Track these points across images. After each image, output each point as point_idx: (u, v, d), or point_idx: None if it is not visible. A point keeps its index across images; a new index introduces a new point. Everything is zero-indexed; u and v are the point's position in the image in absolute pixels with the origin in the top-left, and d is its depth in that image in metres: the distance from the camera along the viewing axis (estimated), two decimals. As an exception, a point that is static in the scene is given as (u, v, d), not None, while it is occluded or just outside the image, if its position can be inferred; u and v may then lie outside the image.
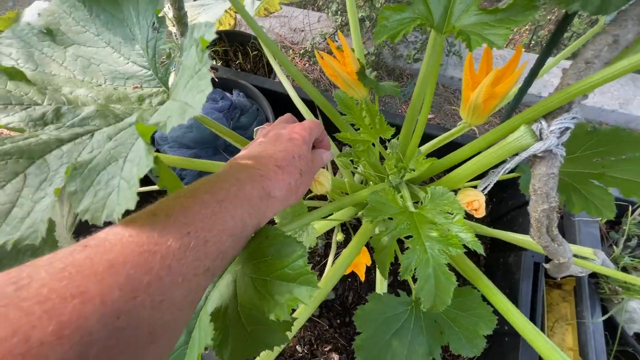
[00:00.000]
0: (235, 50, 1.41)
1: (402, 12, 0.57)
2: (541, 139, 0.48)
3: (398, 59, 1.77)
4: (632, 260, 0.87)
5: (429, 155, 0.74)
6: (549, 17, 1.99)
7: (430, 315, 0.57)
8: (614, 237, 0.95)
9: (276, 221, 0.65)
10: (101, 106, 0.39)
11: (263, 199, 0.36)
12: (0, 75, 0.36)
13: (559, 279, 0.94)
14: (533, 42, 1.97)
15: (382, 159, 0.78)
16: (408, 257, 0.48)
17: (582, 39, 0.82)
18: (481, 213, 0.61)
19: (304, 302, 0.33)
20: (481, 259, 1.09)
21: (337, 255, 0.95)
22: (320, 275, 0.85)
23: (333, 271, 0.63)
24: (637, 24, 0.42)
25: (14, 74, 0.36)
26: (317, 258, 1.06)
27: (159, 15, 0.44)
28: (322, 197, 1.11)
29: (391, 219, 0.53)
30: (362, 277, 0.76)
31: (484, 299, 0.57)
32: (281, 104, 1.08)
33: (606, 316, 0.83)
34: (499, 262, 1.00)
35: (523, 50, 2.01)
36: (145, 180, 0.36)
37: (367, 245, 0.72)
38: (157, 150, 1.02)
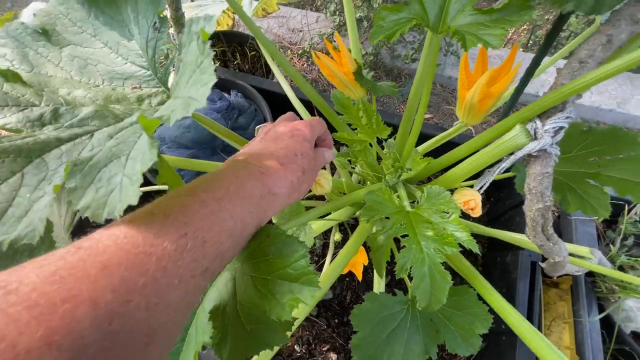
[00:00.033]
0: (234, 50, 1.41)
1: (398, 13, 0.57)
2: (536, 138, 0.48)
3: (396, 59, 1.77)
4: (628, 259, 0.88)
5: (427, 154, 0.74)
6: (546, 17, 1.99)
7: (426, 314, 0.57)
8: (610, 236, 0.95)
9: (273, 221, 0.65)
10: (100, 106, 0.39)
11: (264, 197, 0.35)
12: (-4, 78, 0.36)
13: (556, 278, 0.94)
14: (531, 41, 1.98)
15: (379, 158, 0.79)
16: (404, 256, 0.48)
17: (578, 38, 0.82)
18: (477, 212, 0.61)
19: (306, 302, 0.33)
20: (479, 259, 1.10)
21: (334, 255, 0.95)
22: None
23: (331, 270, 0.63)
24: (630, 23, 0.43)
25: (10, 76, 0.36)
26: (315, 258, 1.07)
27: (161, 15, 0.43)
28: (320, 197, 1.11)
29: (388, 218, 0.54)
30: (360, 277, 0.77)
31: (480, 297, 0.57)
32: (279, 105, 1.08)
33: (603, 315, 0.84)
34: (496, 261, 1.00)
35: (521, 50, 2.01)
36: (144, 181, 0.36)
37: (365, 244, 0.72)
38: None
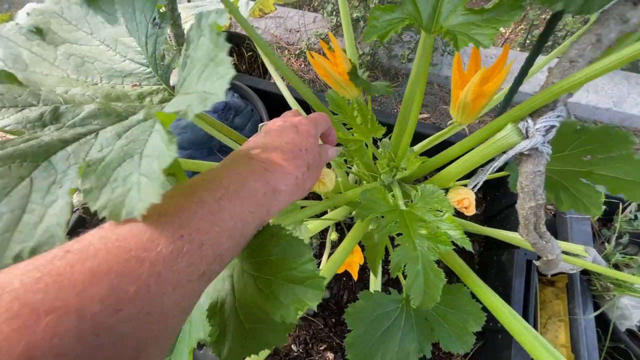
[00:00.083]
0: (231, 51, 1.42)
1: (391, 13, 0.57)
2: (527, 137, 0.49)
3: (393, 59, 1.78)
4: (623, 257, 0.88)
5: (423, 154, 0.74)
6: (543, 17, 2.00)
7: (420, 312, 0.57)
8: (606, 234, 0.96)
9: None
10: (102, 104, 0.38)
11: (267, 195, 0.34)
12: (-11, 79, 0.36)
13: (551, 277, 0.95)
14: (528, 41, 1.98)
15: (375, 158, 0.79)
16: (397, 254, 0.48)
17: (573, 37, 0.82)
18: (471, 211, 0.62)
19: (311, 305, 0.33)
20: (475, 257, 1.10)
21: (331, 254, 0.95)
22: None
23: (327, 269, 0.63)
24: (619, 23, 0.43)
25: (4, 77, 0.36)
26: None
27: (161, 10, 0.42)
28: (315, 197, 1.12)
29: (383, 217, 0.54)
30: (355, 276, 0.77)
31: (474, 296, 0.58)
32: (275, 105, 1.09)
33: (597, 312, 0.84)
34: (492, 260, 1.01)
35: (518, 49, 2.02)
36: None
37: (361, 244, 0.73)
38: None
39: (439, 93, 1.78)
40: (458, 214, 0.83)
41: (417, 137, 0.96)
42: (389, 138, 0.80)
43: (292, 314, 0.33)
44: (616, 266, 0.90)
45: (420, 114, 1.70)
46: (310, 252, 0.34)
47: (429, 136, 0.92)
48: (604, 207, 0.93)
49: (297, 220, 0.55)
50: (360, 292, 0.58)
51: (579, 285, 0.86)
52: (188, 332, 0.39)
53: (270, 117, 1.07)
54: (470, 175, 0.63)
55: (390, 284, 1.02)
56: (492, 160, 0.56)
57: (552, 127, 0.48)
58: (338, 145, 0.58)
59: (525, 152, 0.50)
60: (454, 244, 0.50)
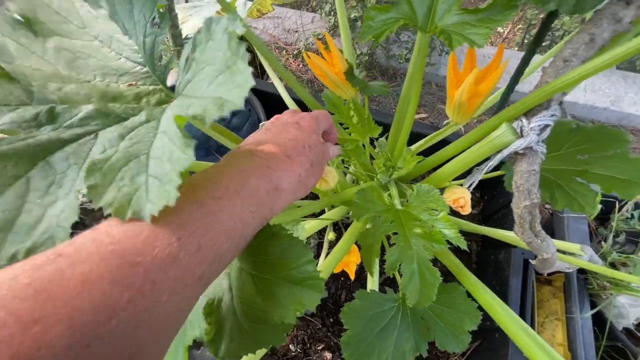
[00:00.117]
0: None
1: (387, 12, 0.58)
2: (522, 136, 0.49)
3: (391, 59, 1.78)
4: (619, 256, 0.88)
5: (420, 153, 0.75)
6: (541, 16, 2.00)
7: (416, 311, 0.57)
8: (602, 233, 0.96)
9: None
10: (99, 105, 0.37)
11: (270, 193, 0.33)
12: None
13: (549, 276, 0.95)
14: (526, 40, 1.98)
15: (372, 158, 0.79)
16: (393, 253, 0.49)
17: (568, 37, 0.83)
18: (467, 210, 0.62)
19: (310, 307, 0.33)
20: (473, 257, 1.10)
21: (328, 254, 0.95)
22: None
23: (323, 268, 0.63)
24: (612, 22, 0.43)
25: None
26: (310, 257, 1.07)
27: (161, 10, 0.41)
28: (313, 197, 1.12)
29: (379, 217, 0.54)
30: (352, 276, 0.77)
31: (470, 295, 0.58)
32: (273, 105, 1.09)
33: (594, 311, 0.84)
34: (490, 259, 1.01)
35: (516, 49, 2.02)
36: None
37: (358, 244, 0.73)
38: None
39: (437, 93, 1.79)
40: (455, 213, 0.83)
41: (415, 137, 0.96)
42: (386, 138, 0.80)
43: (290, 314, 0.33)
44: (613, 265, 0.90)
45: (418, 113, 1.70)
46: (310, 253, 0.34)
47: (426, 136, 0.92)
48: (600, 206, 0.94)
49: (293, 219, 0.55)
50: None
51: (575, 284, 0.86)
52: (184, 330, 0.39)
53: (268, 117, 1.07)
54: (466, 174, 0.64)
55: (388, 283, 1.02)
56: (487, 159, 0.56)
57: (547, 126, 0.48)
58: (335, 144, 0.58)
59: (520, 151, 0.50)
60: (450, 243, 0.50)
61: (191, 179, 0.30)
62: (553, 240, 0.82)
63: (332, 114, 0.69)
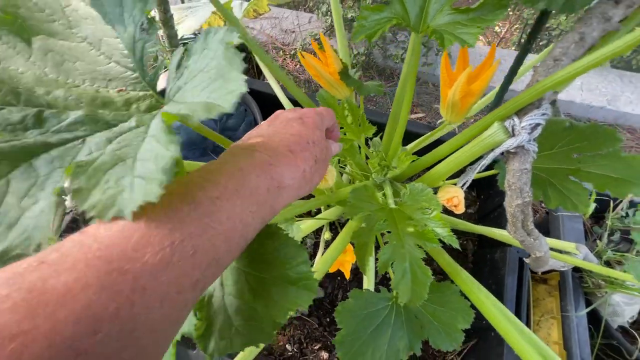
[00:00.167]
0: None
1: (380, 12, 0.58)
2: (513, 135, 0.49)
3: (388, 59, 1.78)
4: (614, 254, 0.88)
5: (416, 153, 0.75)
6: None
7: (410, 310, 0.58)
8: (597, 231, 0.96)
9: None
10: (89, 111, 0.36)
11: (271, 191, 0.31)
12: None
13: (545, 274, 0.95)
14: (523, 39, 1.99)
15: (368, 157, 0.80)
16: (386, 252, 0.49)
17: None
18: (461, 209, 0.62)
19: (303, 306, 0.33)
20: (469, 256, 1.10)
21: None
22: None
23: (317, 268, 0.63)
24: (602, 21, 0.44)
25: None
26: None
27: (149, 16, 0.40)
28: (308, 196, 1.12)
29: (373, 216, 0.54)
30: (347, 275, 0.77)
31: (463, 293, 0.58)
32: (269, 105, 1.09)
33: (589, 309, 0.84)
34: (486, 258, 1.01)
35: (512, 48, 2.03)
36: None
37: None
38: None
39: (434, 92, 1.79)
40: (451, 213, 0.83)
41: (412, 137, 0.96)
42: (381, 137, 0.81)
43: (282, 313, 0.32)
44: (608, 263, 0.91)
45: (415, 113, 1.70)
46: (305, 253, 0.34)
47: (422, 135, 0.92)
48: (594, 205, 0.94)
49: (285, 218, 0.55)
50: (352, 290, 0.58)
51: (570, 283, 0.87)
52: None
53: (264, 117, 1.07)
54: (460, 173, 0.64)
55: (385, 283, 1.02)
56: (480, 158, 0.56)
57: (538, 125, 0.48)
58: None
59: (512, 150, 0.50)
60: (445, 243, 0.51)
61: (187, 178, 0.28)
62: (548, 239, 0.83)
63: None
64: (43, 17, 0.38)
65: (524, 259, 0.86)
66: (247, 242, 0.30)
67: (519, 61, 0.71)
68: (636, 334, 0.87)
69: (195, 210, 0.25)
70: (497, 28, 2.13)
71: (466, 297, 0.59)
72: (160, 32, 0.98)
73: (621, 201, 0.95)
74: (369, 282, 0.80)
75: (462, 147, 0.58)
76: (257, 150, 0.33)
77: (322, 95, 0.74)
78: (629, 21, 0.44)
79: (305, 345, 0.96)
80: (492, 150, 0.52)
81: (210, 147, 1.03)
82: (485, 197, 1.15)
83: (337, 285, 1.04)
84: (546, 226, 0.96)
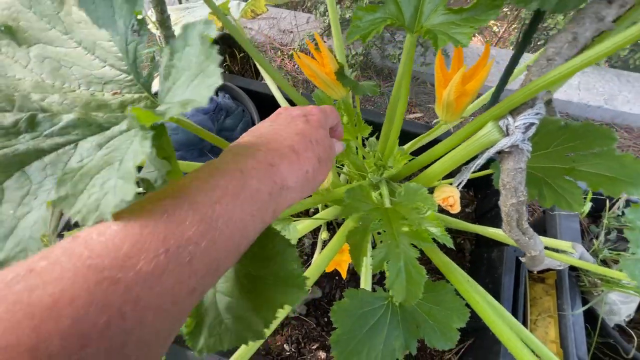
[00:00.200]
0: (223, 52, 1.42)
1: (374, 13, 0.58)
2: (507, 134, 0.49)
3: (386, 59, 1.78)
4: (611, 253, 0.89)
5: (413, 153, 0.75)
6: (535, 16, 2.01)
7: (406, 309, 0.58)
8: (594, 230, 0.96)
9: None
10: (82, 114, 0.36)
11: (273, 194, 0.30)
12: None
13: (541, 273, 0.95)
14: (521, 39, 1.99)
15: (365, 157, 0.80)
16: (380, 251, 0.49)
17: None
18: (456, 209, 0.62)
19: (292, 304, 0.32)
20: (467, 256, 1.11)
21: (322, 253, 0.96)
22: (305, 273, 0.86)
23: (313, 267, 0.64)
24: (595, 21, 0.44)
25: None
26: (305, 257, 1.07)
27: (139, 17, 0.40)
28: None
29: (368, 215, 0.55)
30: (344, 275, 0.77)
31: (458, 292, 0.58)
32: (266, 105, 1.09)
33: (585, 308, 0.85)
34: (483, 257, 1.01)
35: (510, 48, 2.03)
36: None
37: (349, 242, 0.73)
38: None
39: (432, 92, 1.79)
40: (448, 212, 0.83)
41: (409, 136, 0.96)
42: (377, 137, 0.81)
43: (272, 311, 0.33)
44: (605, 262, 0.91)
45: (413, 113, 1.70)
46: (295, 251, 0.34)
47: (420, 135, 0.92)
48: (591, 204, 0.95)
49: (283, 216, 0.56)
50: (350, 290, 0.58)
51: (567, 282, 0.87)
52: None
53: (262, 118, 1.07)
54: (456, 173, 0.64)
55: (382, 282, 1.03)
56: (475, 158, 0.57)
57: (532, 124, 0.48)
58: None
59: (506, 150, 0.50)
60: (438, 242, 0.51)
61: (184, 180, 0.27)
62: (545, 238, 0.83)
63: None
64: (41, 25, 0.39)
65: (520, 258, 0.86)
66: (248, 246, 0.29)
67: (514, 61, 0.71)
68: (633, 333, 0.87)
69: (193, 215, 0.24)
70: (495, 28, 2.13)
71: (461, 296, 0.59)
72: (157, 33, 0.98)
73: (618, 200, 0.95)
74: (365, 282, 0.80)
75: (457, 146, 0.58)
76: (258, 150, 0.32)
77: (318, 95, 0.74)
78: (622, 21, 0.44)
79: (303, 345, 0.96)
80: (487, 149, 0.53)
81: (207, 148, 1.03)
82: (483, 197, 1.15)
83: (334, 285, 1.04)
84: (543, 225, 0.96)
